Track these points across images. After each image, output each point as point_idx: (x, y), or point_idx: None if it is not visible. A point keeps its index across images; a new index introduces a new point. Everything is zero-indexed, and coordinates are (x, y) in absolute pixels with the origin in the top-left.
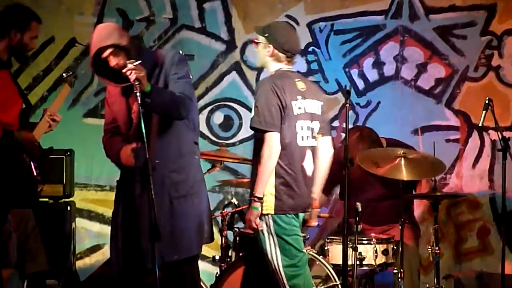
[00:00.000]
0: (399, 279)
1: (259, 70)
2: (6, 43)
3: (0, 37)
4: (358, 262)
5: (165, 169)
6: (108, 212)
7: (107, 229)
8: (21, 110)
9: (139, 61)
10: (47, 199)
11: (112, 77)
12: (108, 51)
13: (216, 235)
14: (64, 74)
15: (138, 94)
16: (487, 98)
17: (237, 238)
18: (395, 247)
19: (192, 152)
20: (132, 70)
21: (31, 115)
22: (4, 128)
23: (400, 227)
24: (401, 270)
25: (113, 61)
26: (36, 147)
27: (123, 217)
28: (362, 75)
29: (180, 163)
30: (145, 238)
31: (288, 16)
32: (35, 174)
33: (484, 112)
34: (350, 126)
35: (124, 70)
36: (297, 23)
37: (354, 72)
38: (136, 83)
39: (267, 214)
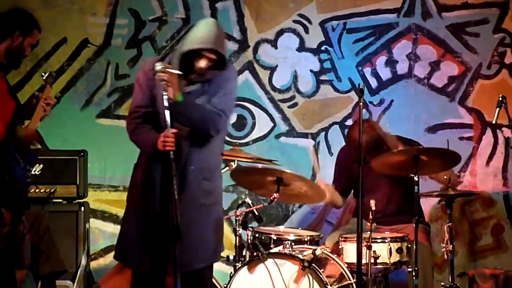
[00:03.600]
0: (414, 277)
1: (272, 69)
2: (7, 45)
3: (2, 38)
4: (372, 261)
5: (200, 175)
6: (122, 212)
7: None
8: (13, 111)
9: (178, 72)
10: (60, 200)
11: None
12: (209, 56)
13: (231, 234)
14: (43, 74)
15: (165, 95)
16: (500, 96)
17: (251, 238)
18: (409, 245)
19: (219, 163)
20: (164, 74)
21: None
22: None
23: (414, 225)
24: (416, 268)
25: (202, 63)
26: (31, 146)
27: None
28: (375, 74)
29: (211, 171)
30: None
31: (301, 15)
32: (28, 175)
33: (497, 109)
34: None
35: (159, 74)
36: (310, 22)
37: (367, 70)
38: (163, 83)
39: None
